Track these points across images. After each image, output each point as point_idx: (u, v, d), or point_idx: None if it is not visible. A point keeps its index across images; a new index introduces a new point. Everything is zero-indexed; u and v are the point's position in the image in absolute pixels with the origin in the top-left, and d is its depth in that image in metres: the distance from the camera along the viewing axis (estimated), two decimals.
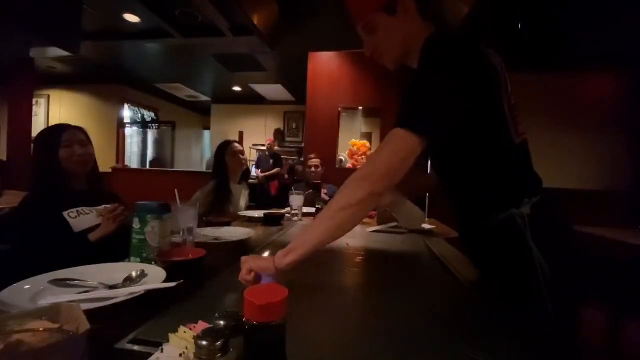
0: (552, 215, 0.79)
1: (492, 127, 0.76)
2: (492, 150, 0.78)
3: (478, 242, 0.89)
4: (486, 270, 0.90)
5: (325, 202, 2.14)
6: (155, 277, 0.71)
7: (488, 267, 0.89)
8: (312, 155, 2.94)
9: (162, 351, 0.40)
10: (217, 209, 1.91)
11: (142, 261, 0.84)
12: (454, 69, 0.69)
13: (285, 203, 2.01)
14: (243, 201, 2.15)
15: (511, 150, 0.78)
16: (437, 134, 0.69)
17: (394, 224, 1.65)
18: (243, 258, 0.74)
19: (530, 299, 0.74)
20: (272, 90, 6.17)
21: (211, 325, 0.41)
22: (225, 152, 2.05)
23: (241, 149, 2.13)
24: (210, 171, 2.17)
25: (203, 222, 1.54)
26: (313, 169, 2.86)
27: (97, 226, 1.15)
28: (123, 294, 0.62)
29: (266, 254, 1.11)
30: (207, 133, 8.01)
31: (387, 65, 0.88)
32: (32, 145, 1.23)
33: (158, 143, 7.19)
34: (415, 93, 0.72)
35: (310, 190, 2.39)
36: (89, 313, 0.44)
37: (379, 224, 1.70)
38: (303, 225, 1.69)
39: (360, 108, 3.87)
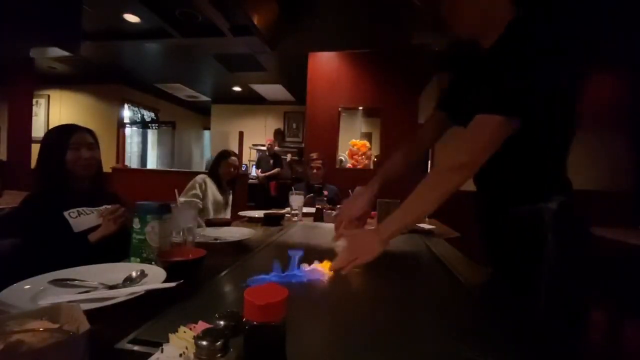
0: (577, 219, 0.82)
1: (563, 113, 0.77)
2: (553, 138, 0.79)
3: (499, 230, 0.90)
4: (498, 257, 0.92)
5: (327, 203, 2.14)
6: (155, 277, 0.71)
7: (501, 254, 0.90)
8: (314, 155, 2.90)
9: (162, 351, 0.40)
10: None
11: (142, 261, 0.84)
12: (543, 50, 0.69)
13: (285, 203, 2.01)
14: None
15: (567, 142, 0.80)
16: (528, 114, 0.70)
17: None
18: (345, 237, 0.83)
19: (530, 290, 0.77)
20: (272, 90, 6.17)
21: (211, 325, 0.41)
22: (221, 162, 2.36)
23: (236, 164, 2.46)
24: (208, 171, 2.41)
25: (203, 222, 1.54)
26: (315, 171, 2.84)
27: (98, 227, 1.15)
28: (123, 294, 0.62)
29: (266, 254, 1.11)
30: (207, 133, 8.01)
31: (457, 31, 0.84)
32: (41, 143, 1.22)
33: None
34: (501, 74, 0.71)
35: (311, 194, 2.40)
36: (89, 313, 0.44)
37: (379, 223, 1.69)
38: (303, 225, 1.69)
39: (360, 108, 3.87)
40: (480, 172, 0.88)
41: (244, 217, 1.83)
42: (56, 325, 0.42)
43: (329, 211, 1.91)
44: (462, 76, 0.99)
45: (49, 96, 6.05)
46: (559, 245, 0.76)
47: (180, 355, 0.38)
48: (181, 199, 2.09)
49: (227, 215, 2.34)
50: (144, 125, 6.96)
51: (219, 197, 2.28)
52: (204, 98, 7.03)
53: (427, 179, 0.76)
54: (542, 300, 0.76)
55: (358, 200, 0.98)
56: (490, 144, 0.71)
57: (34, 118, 4.45)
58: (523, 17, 0.77)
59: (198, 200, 2.13)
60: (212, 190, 2.25)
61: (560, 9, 0.85)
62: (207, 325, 0.41)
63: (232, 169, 2.38)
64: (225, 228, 1.41)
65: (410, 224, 0.79)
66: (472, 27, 0.83)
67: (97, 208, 1.20)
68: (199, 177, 2.25)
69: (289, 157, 5.34)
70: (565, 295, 0.78)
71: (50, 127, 1.28)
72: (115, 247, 1.01)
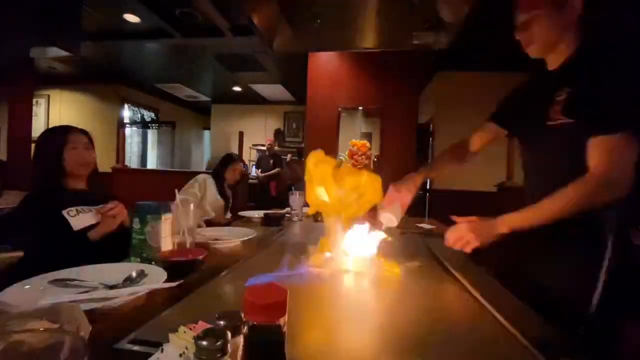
0: (628, 227, 0.83)
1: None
2: None
3: (555, 238, 0.89)
4: (544, 265, 0.92)
5: None
6: (155, 277, 0.71)
7: (551, 262, 0.90)
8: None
9: (162, 351, 0.40)
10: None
11: (142, 261, 0.84)
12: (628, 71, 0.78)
13: (285, 203, 2.01)
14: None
15: None
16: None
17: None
18: (461, 227, 0.88)
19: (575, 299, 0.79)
20: (272, 90, 6.17)
21: (211, 325, 0.41)
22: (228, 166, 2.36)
23: (242, 169, 2.48)
24: (210, 171, 2.40)
25: (203, 222, 1.55)
26: None
27: (96, 225, 1.15)
28: (123, 294, 0.62)
29: (266, 254, 1.11)
30: (207, 133, 8.01)
31: (530, 51, 0.93)
32: (36, 144, 1.24)
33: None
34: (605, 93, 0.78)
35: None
36: (89, 313, 0.44)
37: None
38: (303, 225, 1.69)
39: (360, 108, 3.87)
40: (544, 179, 0.93)
41: (244, 217, 1.83)
42: (56, 325, 0.42)
43: None
44: (522, 92, 1.05)
45: (49, 96, 6.05)
46: (615, 253, 0.78)
47: (180, 355, 0.38)
48: (180, 196, 2.11)
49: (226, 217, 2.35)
50: (144, 125, 6.95)
51: (219, 198, 2.28)
52: (204, 98, 7.03)
53: (572, 188, 0.78)
54: (591, 308, 0.78)
55: (406, 183, 1.11)
56: (632, 159, 0.75)
57: (34, 118, 4.45)
58: (600, 40, 0.84)
59: (195, 199, 2.13)
60: (212, 191, 2.25)
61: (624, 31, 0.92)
62: (207, 325, 0.41)
63: (237, 175, 2.41)
64: (226, 228, 1.41)
65: (535, 223, 0.82)
66: (545, 49, 0.91)
67: (95, 207, 1.20)
68: (201, 177, 2.25)
69: (289, 157, 5.34)
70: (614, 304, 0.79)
71: (51, 127, 1.29)
72: (115, 247, 1.01)
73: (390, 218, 1.06)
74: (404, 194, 1.10)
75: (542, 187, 0.93)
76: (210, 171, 2.42)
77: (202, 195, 2.19)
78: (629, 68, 0.78)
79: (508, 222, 0.85)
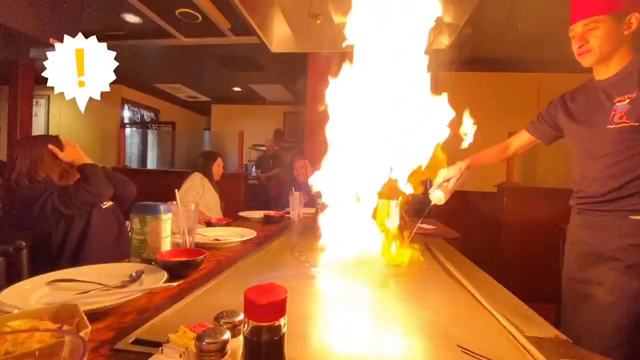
0: None
1: None
2: None
3: (609, 238, 0.97)
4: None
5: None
6: (155, 277, 0.71)
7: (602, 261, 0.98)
8: (301, 163, 3.00)
9: (162, 351, 0.40)
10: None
11: (142, 261, 0.84)
12: None
13: (285, 203, 2.01)
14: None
15: None
16: None
17: None
18: None
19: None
20: (272, 90, 6.17)
21: (211, 325, 0.41)
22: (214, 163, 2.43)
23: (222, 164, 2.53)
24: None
25: (203, 222, 1.55)
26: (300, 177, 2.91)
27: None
28: (123, 294, 0.62)
29: (266, 254, 1.11)
30: (207, 133, 8.00)
31: (584, 60, 1.00)
32: (26, 148, 1.33)
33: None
34: None
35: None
36: (89, 313, 0.44)
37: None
38: (303, 226, 1.69)
39: None
40: (603, 172, 0.99)
41: (244, 217, 1.83)
42: (56, 325, 0.42)
43: None
44: (569, 101, 1.13)
45: (49, 96, 6.03)
46: None
47: (180, 355, 0.38)
48: (180, 196, 2.12)
49: (220, 213, 2.35)
50: (144, 125, 6.95)
51: (216, 195, 2.31)
52: (204, 98, 7.03)
53: None
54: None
55: (453, 168, 1.23)
56: None
57: (34, 118, 4.44)
58: None
59: (197, 199, 2.14)
60: (210, 189, 2.27)
61: None
62: (207, 325, 0.41)
63: (221, 170, 2.49)
64: (225, 228, 1.41)
65: None
66: (600, 59, 0.98)
67: None
68: (197, 176, 2.27)
69: (289, 157, 5.33)
70: None
71: (51, 127, 1.39)
72: (114, 246, 1.01)
73: (439, 197, 1.18)
74: (451, 177, 1.22)
75: (599, 178, 1.02)
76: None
77: (202, 193, 2.20)
78: None
79: None
